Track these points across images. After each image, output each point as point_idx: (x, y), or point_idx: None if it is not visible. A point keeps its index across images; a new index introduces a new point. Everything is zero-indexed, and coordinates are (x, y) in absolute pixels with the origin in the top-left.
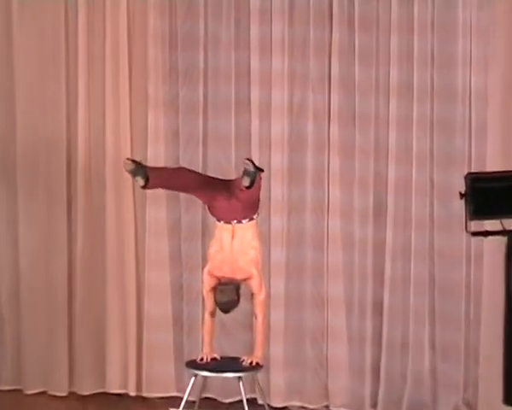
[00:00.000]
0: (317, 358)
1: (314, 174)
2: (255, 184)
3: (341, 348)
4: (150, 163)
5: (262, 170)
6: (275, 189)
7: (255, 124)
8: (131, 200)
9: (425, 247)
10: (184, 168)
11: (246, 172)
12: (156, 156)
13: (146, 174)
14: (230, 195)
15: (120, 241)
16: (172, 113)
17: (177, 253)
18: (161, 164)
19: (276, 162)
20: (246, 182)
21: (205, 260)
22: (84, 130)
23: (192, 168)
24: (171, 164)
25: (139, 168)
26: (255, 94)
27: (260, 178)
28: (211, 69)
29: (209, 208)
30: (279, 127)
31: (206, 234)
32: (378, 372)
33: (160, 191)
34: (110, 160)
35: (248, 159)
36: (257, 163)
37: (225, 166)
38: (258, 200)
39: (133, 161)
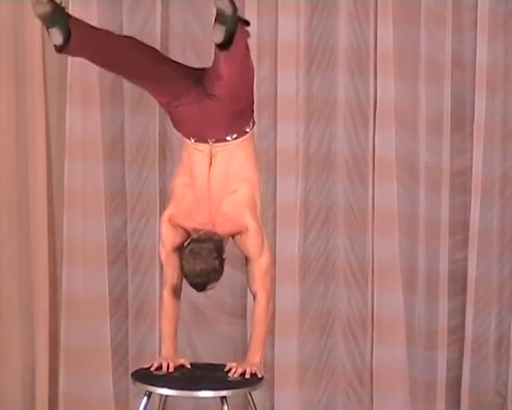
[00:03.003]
0: (361, 356)
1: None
2: (237, 48)
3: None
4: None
5: (247, 22)
6: (284, 75)
7: None
8: (42, 96)
9: None
10: (132, 38)
11: (219, 17)
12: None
13: (67, 27)
14: (203, 93)
15: (21, 161)
16: None
17: (119, 187)
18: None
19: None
20: (218, 35)
21: (165, 200)
22: None
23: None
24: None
25: (58, 14)
26: None
27: (247, 48)
28: None
29: (171, 117)
30: None
31: (166, 155)
32: None
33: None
34: None
35: None
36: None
37: (202, 44)
38: (252, 97)
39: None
